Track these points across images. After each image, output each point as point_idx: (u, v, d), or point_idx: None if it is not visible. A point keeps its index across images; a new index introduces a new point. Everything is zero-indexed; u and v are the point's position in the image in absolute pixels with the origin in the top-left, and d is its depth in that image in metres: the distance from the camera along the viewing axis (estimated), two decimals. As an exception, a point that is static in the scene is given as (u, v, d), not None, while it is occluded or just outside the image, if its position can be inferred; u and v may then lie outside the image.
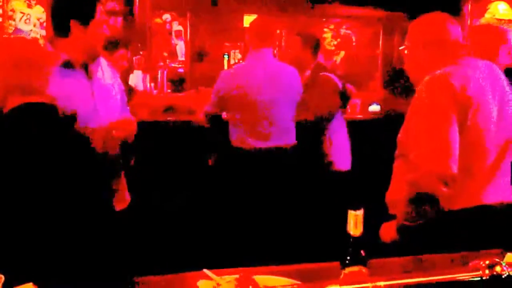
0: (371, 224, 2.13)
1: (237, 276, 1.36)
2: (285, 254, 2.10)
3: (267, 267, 1.45)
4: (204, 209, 3.63)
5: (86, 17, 2.18)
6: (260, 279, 1.36)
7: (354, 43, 7.16)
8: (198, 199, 3.74)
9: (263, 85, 3.26)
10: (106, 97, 2.31)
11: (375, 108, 5.08)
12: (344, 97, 3.73)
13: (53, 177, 1.70)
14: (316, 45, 3.81)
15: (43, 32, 4.65)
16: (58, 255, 1.64)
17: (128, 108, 2.54)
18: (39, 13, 4.64)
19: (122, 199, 2.39)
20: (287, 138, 3.38)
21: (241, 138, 3.32)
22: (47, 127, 1.76)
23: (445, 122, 1.93)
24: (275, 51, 6.77)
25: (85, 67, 2.24)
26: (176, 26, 6.09)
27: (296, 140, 3.43)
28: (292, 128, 3.42)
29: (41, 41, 4.18)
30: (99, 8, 2.23)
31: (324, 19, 6.99)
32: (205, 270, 1.46)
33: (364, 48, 7.16)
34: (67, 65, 2.16)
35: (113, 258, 1.78)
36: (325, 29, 7.03)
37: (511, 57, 2.63)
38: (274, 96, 3.29)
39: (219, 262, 1.56)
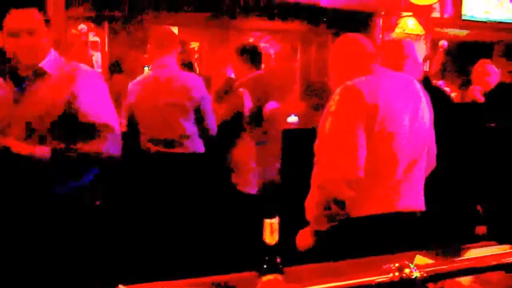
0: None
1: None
2: (202, 266, 2.07)
3: (184, 280, 1.42)
4: (112, 220, 3.51)
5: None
6: (177, 292, 1.34)
7: (273, 56, 7.28)
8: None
9: (163, 91, 3.29)
10: None
11: (293, 119, 5.18)
12: (255, 118, 3.74)
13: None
14: (258, 58, 3.85)
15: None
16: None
17: None
18: None
19: None
20: (191, 146, 3.38)
21: (145, 144, 3.33)
22: None
23: (351, 128, 2.03)
24: (195, 64, 6.77)
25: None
26: (92, 37, 5.95)
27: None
28: (195, 135, 3.41)
29: None
30: None
31: (243, 33, 7.07)
32: (121, 286, 1.41)
33: (283, 60, 7.29)
34: None
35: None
36: (250, 39, 7.10)
37: (417, 69, 2.78)
38: (173, 103, 3.30)
39: (134, 277, 1.51)
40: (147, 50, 3.56)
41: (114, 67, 6.05)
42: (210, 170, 3.52)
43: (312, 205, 2.10)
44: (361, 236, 2.04)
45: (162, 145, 3.33)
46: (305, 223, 2.18)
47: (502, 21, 6.66)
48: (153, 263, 3.00)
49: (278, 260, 1.20)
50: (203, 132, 3.46)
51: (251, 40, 7.10)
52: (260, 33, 7.19)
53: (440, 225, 2.64)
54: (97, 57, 6.01)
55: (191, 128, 3.39)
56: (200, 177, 3.39)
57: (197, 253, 3.12)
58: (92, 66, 5.97)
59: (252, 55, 3.83)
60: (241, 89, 3.67)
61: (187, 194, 3.28)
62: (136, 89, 3.39)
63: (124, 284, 1.41)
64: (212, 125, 3.51)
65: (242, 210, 3.50)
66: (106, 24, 6.19)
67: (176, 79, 3.39)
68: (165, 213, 3.21)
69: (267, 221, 1.18)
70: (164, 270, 2.81)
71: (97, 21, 6.04)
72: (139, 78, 3.51)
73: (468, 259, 1.39)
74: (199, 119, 3.43)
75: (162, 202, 3.24)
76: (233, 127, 3.60)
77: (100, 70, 6.00)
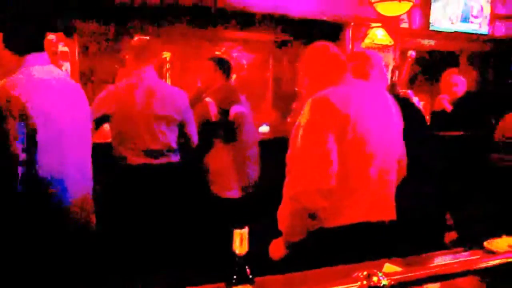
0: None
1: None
2: (173, 277, 2.06)
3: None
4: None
5: None
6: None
7: (245, 66, 7.29)
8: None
9: (150, 102, 3.26)
10: None
11: (264, 129, 5.20)
12: (222, 122, 3.74)
13: None
14: (227, 68, 3.87)
15: None
16: None
17: None
18: None
19: None
20: (174, 157, 3.36)
21: (123, 155, 3.27)
22: None
23: (323, 139, 2.04)
24: (167, 74, 6.74)
25: None
26: (62, 47, 5.87)
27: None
28: (177, 146, 3.40)
29: None
30: None
31: (215, 43, 7.07)
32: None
33: (255, 71, 7.31)
34: None
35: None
36: (217, 52, 7.10)
37: (384, 80, 2.83)
38: (161, 113, 3.28)
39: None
40: (125, 61, 3.51)
41: (85, 78, 5.99)
42: (191, 179, 3.51)
43: (284, 216, 2.09)
44: (333, 246, 2.04)
45: (146, 156, 3.27)
46: (279, 233, 2.18)
47: (467, 31, 6.82)
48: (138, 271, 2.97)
49: (248, 270, 1.20)
50: (186, 143, 3.47)
51: (223, 50, 7.12)
52: (232, 43, 7.20)
53: (410, 233, 2.67)
54: (66, 67, 5.93)
55: (175, 139, 3.39)
56: (185, 188, 3.37)
57: (178, 261, 3.10)
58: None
59: (226, 66, 3.87)
60: (207, 99, 3.71)
61: (172, 205, 3.25)
62: (115, 98, 3.28)
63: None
64: (195, 136, 3.53)
65: (223, 217, 3.49)
66: (76, 35, 6.12)
67: (162, 90, 3.37)
68: (151, 225, 3.17)
69: (236, 231, 1.18)
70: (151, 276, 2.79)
71: (67, 31, 5.97)
72: (114, 87, 3.40)
73: (435, 266, 1.41)
74: (182, 130, 3.44)
75: (148, 213, 3.19)
76: (203, 135, 3.61)
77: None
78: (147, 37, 6.18)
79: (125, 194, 3.22)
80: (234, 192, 3.74)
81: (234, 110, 3.76)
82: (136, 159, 3.24)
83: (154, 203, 3.20)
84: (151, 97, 3.27)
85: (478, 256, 1.49)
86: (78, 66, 6.08)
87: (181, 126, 3.42)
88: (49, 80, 2.25)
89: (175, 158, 3.38)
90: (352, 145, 2.08)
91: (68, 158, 2.22)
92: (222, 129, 3.69)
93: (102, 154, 3.42)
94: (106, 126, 3.39)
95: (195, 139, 3.53)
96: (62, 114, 2.21)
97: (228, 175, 3.75)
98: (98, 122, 3.32)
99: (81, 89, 2.53)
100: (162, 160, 3.30)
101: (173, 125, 3.37)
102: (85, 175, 2.35)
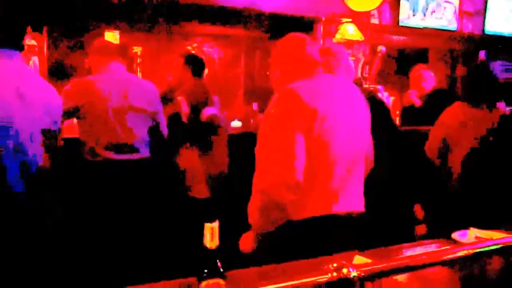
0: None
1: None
2: (144, 273, 2.05)
3: (124, 288, 1.40)
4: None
5: None
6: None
7: (216, 61, 7.27)
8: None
9: (115, 93, 3.21)
10: None
11: (236, 124, 5.20)
12: (193, 123, 3.72)
13: None
14: (198, 66, 3.84)
15: None
16: None
17: None
18: None
19: None
20: (145, 151, 3.34)
21: (93, 149, 3.22)
22: None
23: (289, 133, 2.05)
24: (138, 69, 6.67)
25: None
26: (29, 41, 5.76)
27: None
28: (148, 140, 3.37)
29: None
30: None
31: (186, 37, 7.02)
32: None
33: (226, 66, 7.30)
34: None
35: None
36: (188, 47, 7.06)
37: (350, 74, 2.86)
38: (135, 107, 3.25)
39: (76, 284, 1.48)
40: (89, 63, 3.46)
41: (54, 71, 5.89)
42: (162, 175, 3.49)
43: (253, 209, 2.10)
44: (302, 238, 2.06)
45: (117, 149, 3.22)
46: (250, 227, 2.19)
47: (436, 28, 6.93)
48: (114, 270, 2.94)
49: (220, 264, 1.19)
50: (158, 137, 3.44)
51: (194, 45, 7.08)
52: (204, 38, 7.16)
53: (380, 225, 2.71)
54: (34, 61, 5.83)
55: (146, 131, 3.36)
56: (156, 183, 3.34)
57: (152, 259, 3.08)
58: (29, 70, 5.79)
59: (197, 65, 3.85)
60: (179, 98, 3.69)
61: (143, 200, 3.22)
62: (83, 91, 3.21)
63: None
64: (165, 129, 3.51)
65: (193, 215, 3.49)
66: (45, 29, 6.01)
67: (132, 82, 3.35)
68: (121, 220, 3.14)
69: (207, 225, 1.18)
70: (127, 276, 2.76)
71: (35, 25, 5.86)
72: (80, 79, 3.32)
73: (404, 257, 1.44)
74: (154, 124, 3.41)
75: (118, 208, 3.16)
76: (173, 134, 3.59)
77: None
78: (117, 32, 6.14)
79: (96, 189, 3.18)
80: (203, 193, 3.73)
81: (206, 112, 3.75)
82: (106, 153, 3.19)
83: (125, 198, 3.16)
84: (121, 89, 3.23)
85: (446, 247, 1.51)
86: (47, 60, 5.98)
87: (153, 118, 3.39)
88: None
89: (145, 151, 3.35)
90: (319, 138, 2.08)
91: None
92: (197, 135, 3.68)
93: (70, 150, 3.39)
94: (74, 121, 3.34)
95: (165, 131, 3.51)
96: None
97: (197, 173, 3.74)
98: (64, 116, 3.27)
99: (49, 85, 2.49)
100: (134, 155, 3.26)
101: (145, 117, 3.34)
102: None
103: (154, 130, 3.42)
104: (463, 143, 3.15)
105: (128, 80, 3.32)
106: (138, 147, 3.29)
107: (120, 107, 3.20)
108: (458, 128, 3.18)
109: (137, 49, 6.72)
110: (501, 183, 2.97)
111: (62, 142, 3.39)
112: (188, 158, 3.70)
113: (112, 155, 3.19)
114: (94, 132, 3.20)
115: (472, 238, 1.95)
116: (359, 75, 5.74)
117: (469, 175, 3.11)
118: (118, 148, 3.20)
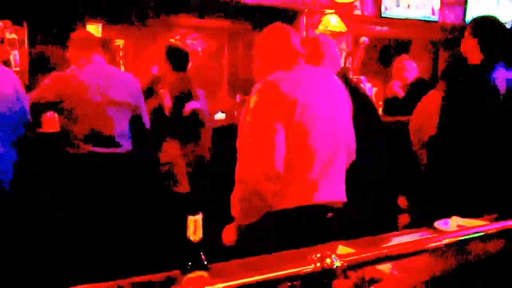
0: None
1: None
2: (129, 267, 2.04)
3: (107, 282, 1.39)
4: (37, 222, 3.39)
5: None
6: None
7: (200, 53, 7.23)
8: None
9: (97, 87, 3.19)
10: None
11: (220, 116, 5.19)
12: (176, 117, 3.70)
13: None
14: (180, 60, 3.80)
15: None
16: None
17: None
18: None
19: None
20: (127, 144, 3.32)
21: (74, 143, 3.19)
22: None
23: (269, 124, 2.06)
24: (121, 62, 6.62)
25: None
26: (10, 35, 5.69)
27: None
28: (129, 133, 3.35)
29: None
30: None
31: (169, 29, 6.97)
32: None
33: (210, 58, 7.27)
34: None
35: None
36: (171, 40, 7.01)
37: (335, 66, 2.86)
38: (116, 100, 3.23)
39: (53, 282, 1.46)
40: (68, 55, 3.42)
41: (35, 65, 5.82)
42: (144, 169, 3.48)
43: (235, 200, 2.11)
44: (283, 229, 2.07)
45: (98, 143, 3.20)
46: (232, 219, 2.19)
47: (418, 18, 6.97)
48: (90, 264, 2.93)
49: (203, 257, 1.19)
50: (139, 130, 3.42)
51: (177, 37, 7.03)
52: (187, 30, 7.12)
53: (364, 215, 2.73)
54: (15, 55, 5.75)
55: (127, 125, 3.34)
56: (138, 177, 3.33)
57: (134, 253, 3.07)
58: (10, 64, 5.71)
59: (179, 58, 3.82)
60: (161, 90, 3.67)
61: (125, 193, 3.21)
62: (64, 84, 3.19)
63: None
64: (147, 123, 3.49)
65: (176, 209, 3.48)
66: (25, 23, 5.93)
67: (114, 75, 3.32)
68: (103, 213, 3.12)
69: (190, 218, 1.18)
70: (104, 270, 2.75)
71: (15, 19, 5.78)
72: (61, 73, 3.29)
73: (388, 247, 1.45)
74: (136, 117, 3.39)
75: (99, 202, 3.14)
76: (155, 127, 3.57)
77: (17, 68, 5.74)
78: (100, 25, 6.08)
79: (76, 182, 3.15)
80: (184, 184, 3.72)
81: (189, 106, 3.73)
82: (88, 147, 3.17)
83: (106, 191, 3.14)
84: (102, 82, 3.21)
85: (428, 236, 1.53)
86: (28, 54, 5.90)
87: (134, 111, 3.37)
88: None
89: (127, 144, 3.33)
90: (299, 129, 2.09)
91: None
92: (179, 129, 3.66)
93: (51, 144, 3.36)
94: (55, 115, 3.31)
95: (147, 123, 3.49)
96: None
97: (178, 168, 3.72)
98: (43, 109, 3.24)
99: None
100: (115, 149, 3.24)
101: (127, 110, 3.31)
102: None
103: (136, 124, 3.40)
104: None
105: (108, 73, 3.29)
106: (119, 140, 3.27)
107: (101, 101, 3.18)
108: (434, 116, 3.18)
109: (120, 42, 6.67)
110: (481, 171, 2.97)
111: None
112: (170, 152, 3.69)
113: (93, 149, 3.17)
114: (75, 126, 3.17)
115: (454, 227, 1.97)
116: (342, 65, 5.75)
117: (445, 164, 3.11)
118: (99, 141, 3.18)
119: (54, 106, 3.18)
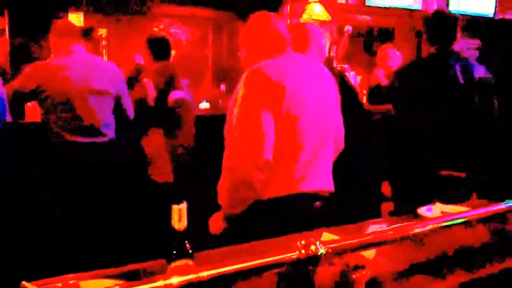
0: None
1: (59, 284, 1.28)
2: (113, 258, 2.04)
3: (92, 272, 1.39)
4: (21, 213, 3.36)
5: None
6: (85, 284, 1.30)
7: (184, 43, 7.19)
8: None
9: (78, 76, 3.16)
10: None
11: (205, 105, 5.18)
12: (159, 107, 3.68)
13: None
14: (161, 49, 3.78)
15: None
16: None
17: None
18: None
19: None
20: (110, 133, 3.30)
21: (56, 132, 3.16)
22: None
23: (258, 112, 2.05)
24: (104, 51, 6.56)
25: None
26: (-11, 25, 5.61)
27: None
28: (113, 123, 3.33)
29: None
30: None
31: (153, 19, 6.92)
32: (24, 283, 1.35)
33: (194, 47, 7.23)
34: None
35: None
36: (155, 29, 6.95)
37: (322, 54, 2.85)
38: (99, 89, 3.20)
39: (41, 271, 1.45)
40: (50, 41, 3.38)
41: (16, 54, 5.74)
42: (127, 158, 3.46)
43: (223, 189, 2.11)
44: (270, 217, 2.07)
45: (81, 132, 3.17)
46: (219, 208, 2.19)
47: (401, 7, 6.99)
48: (70, 255, 2.92)
49: (188, 245, 1.19)
50: (123, 119, 3.40)
51: (161, 26, 6.98)
52: (171, 19, 7.07)
53: (349, 204, 2.75)
54: (-5, 44, 5.68)
55: (110, 113, 3.32)
56: (121, 166, 3.31)
57: (118, 243, 3.06)
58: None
59: (160, 47, 3.79)
60: (145, 80, 3.65)
61: (108, 183, 3.19)
62: (45, 73, 3.15)
63: (29, 280, 1.36)
64: (130, 110, 3.47)
65: (159, 198, 3.47)
66: (6, 12, 5.85)
67: (95, 64, 3.29)
68: (86, 204, 3.11)
69: (175, 207, 1.17)
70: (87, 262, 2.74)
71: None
72: (42, 62, 3.28)
73: (371, 233, 1.46)
74: (119, 106, 3.36)
75: (82, 193, 3.12)
76: (139, 117, 3.55)
77: (-2, 57, 5.66)
78: (82, 14, 6.01)
79: (60, 172, 3.13)
80: (168, 177, 3.71)
81: (173, 96, 3.71)
82: (70, 136, 3.14)
83: (90, 181, 3.13)
84: (83, 72, 3.18)
85: (412, 222, 1.54)
86: (9, 43, 5.83)
87: (117, 100, 3.35)
88: None
89: (110, 133, 3.31)
90: (288, 117, 2.09)
91: None
92: (162, 119, 3.65)
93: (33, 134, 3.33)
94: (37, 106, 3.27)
95: (130, 112, 3.46)
96: None
97: (162, 159, 3.71)
98: (24, 97, 3.21)
99: None
100: (98, 138, 3.22)
101: (109, 99, 3.29)
102: None
103: (119, 113, 3.38)
104: None
105: (90, 62, 3.26)
106: (102, 130, 3.24)
107: (82, 89, 3.15)
108: None
109: (102, 31, 6.60)
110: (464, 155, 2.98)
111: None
112: (154, 142, 3.68)
113: (76, 138, 3.15)
114: (56, 115, 3.15)
115: (438, 213, 1.99)
116: (327, 54, 5.75)
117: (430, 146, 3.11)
118: (82, 131, 3.16)
119: (35, 95, 3.14)
